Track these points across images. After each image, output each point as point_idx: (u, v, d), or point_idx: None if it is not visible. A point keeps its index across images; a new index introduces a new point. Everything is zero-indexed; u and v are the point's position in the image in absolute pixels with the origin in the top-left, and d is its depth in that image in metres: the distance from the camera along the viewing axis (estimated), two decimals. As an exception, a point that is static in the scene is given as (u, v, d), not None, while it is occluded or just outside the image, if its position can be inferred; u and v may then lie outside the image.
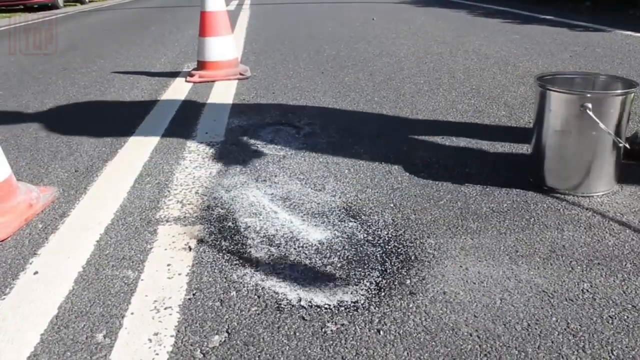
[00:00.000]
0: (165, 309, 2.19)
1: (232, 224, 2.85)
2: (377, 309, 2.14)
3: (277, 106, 5.09)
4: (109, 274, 2.46)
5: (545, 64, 6.65)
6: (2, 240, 2.80)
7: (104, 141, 4.30)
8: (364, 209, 2.96)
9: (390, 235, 2.68)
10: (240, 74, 6.36)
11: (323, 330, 2.03)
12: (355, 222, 2.83)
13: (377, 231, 2.73)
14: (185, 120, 4.75)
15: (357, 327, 2.04)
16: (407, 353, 1.90)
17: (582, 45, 7.77)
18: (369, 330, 2.02)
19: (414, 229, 2.74)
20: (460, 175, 3.37)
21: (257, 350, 1.94)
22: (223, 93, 5.72)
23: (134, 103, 5.50)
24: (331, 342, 1.96)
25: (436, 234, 2.69)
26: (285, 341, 1.98)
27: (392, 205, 3.00)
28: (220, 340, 2.00)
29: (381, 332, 2.00)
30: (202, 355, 1.93)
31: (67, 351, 1.99)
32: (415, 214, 2.89)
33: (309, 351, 1.92)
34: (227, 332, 2.04)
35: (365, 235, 2.69)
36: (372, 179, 3.36)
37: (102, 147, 4.17)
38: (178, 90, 5.95)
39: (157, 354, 1.94)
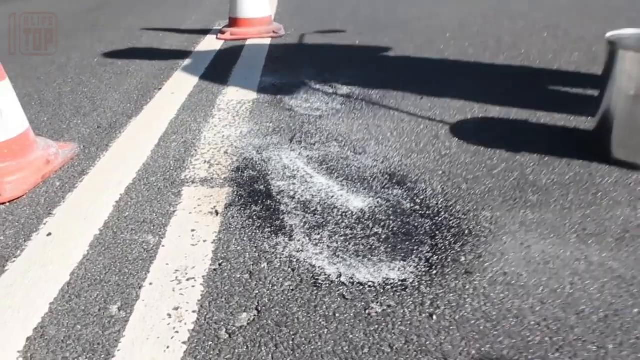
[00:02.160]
0: (187, 280, 1.95)
1: (264, 187, 2.59)
2: (428, 289, 1.86)
3: (312, 65, 4.79)
4: (127, 238, 2.23)
5: (600, 29, 6.16)
6: (17, 198, 2.59)
7: (129, 97, 4.07)
8: (410, 176, 2.67)
9: (440, 206, 2.39)
10: (274, 32, 6.05)
11: (367, 311, 1.76)
12: (400, 189, 2.54)
13: (425, 200, 2.44)
14: (215, 78, 4.48)
15: (405, 309, 1.77)
16: (465, 343, 1.63)
17: (639, 11, 7.25)
18: (420, 314, 1.75)
19: (466, 199, 2.45)
20: (515, 142, 3.05)
21: (291, 333, 1.68)
22: (255, 51, 5.43)
23: (162, 60, 5.25)
24: (376, 326, 1.70)
25: (492, 206, 2.39)
26: (323, 323, 1.72)
27: (440, 172, 2.71)
28: (249, 319, 1.75)
29: (434, 317, 1.73)
30: (227, 336, 1.68)
31: (77, 324, 1.76)
32: (467, 183, 2.59)
33: (351, 336, 1.66)
34: (256, 309, 1.79)
35: (412, 205, 2.40)
36: (417, 143, 3.06)
37: (127, 103, 3.94)
38: (208, 47, 5.68)
39: (176, 332, 1.70)
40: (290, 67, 4.73)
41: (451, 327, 1.69)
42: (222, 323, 1.74)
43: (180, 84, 4.35)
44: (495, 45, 5.48)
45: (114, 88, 4.31)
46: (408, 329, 1.68)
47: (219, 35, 6.05)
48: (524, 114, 3.48)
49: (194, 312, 1.79)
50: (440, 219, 2.29)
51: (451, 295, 1.83)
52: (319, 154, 2.93)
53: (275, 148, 3.02)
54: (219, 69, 4.75)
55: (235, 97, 3.95)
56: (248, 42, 5.82)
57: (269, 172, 2.73)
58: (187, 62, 5.08)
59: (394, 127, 3.30)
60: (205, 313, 1.78)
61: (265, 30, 6.05)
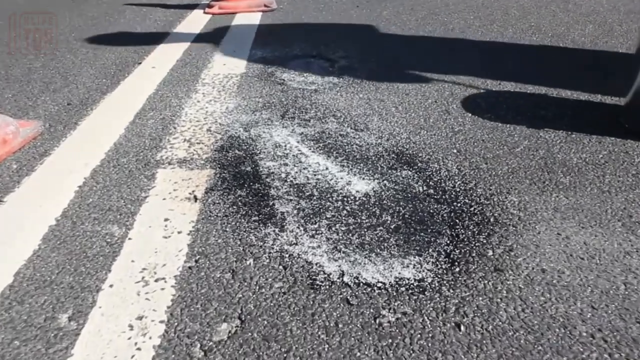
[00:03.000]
0: (155, 281, 1.60)
1: (251, 168, 2.23)
2: (452, 291, 1.51)
3: (307, 39, 4.40)
4: (88, 229, 1.87)
5: (612, 2, 5.82)
6: (-35, 183, 2.23)
7: (105, 72, 3.68)
8: (420, 155, 2.32)
9: (458, 189, 2.04)
10: (265, 6, 5.65)
11: (377, 321, 1.41)
12: (410, 170, 2.19)
13: (440, 183, 2.09)
14: (200, 52, 4.10)
15: (425, 318, 1.42)
16: (504, 362, 1.28)
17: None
18: (444, 324, 1.40)
19: (487, 181, 2.10)
20: (536, 118, 2.70)
21: (282, 350, 1.33)
22: (245, 25, 5.04)
23: (145, 34, 4.85)
24: (390, 340, 1.35)
25: (518, 189, 2.04)
26: (322, 336, 1.37)
27: (455, 151, 2.35)
28: (230, 331, 1.40)
29: (462, 328, 1.38)
30: (202, 353, 1.33)
31: (15, 339, 1.41)
32: (486, 163, 2.24)
33: (358, 353, 1.31)
34: (239, 318, 1.44)
35: (424, 188, 2.05)
36: (426, 119, 2.70)
37: (102, 78, 3.55)
38: (195, 21, 5.28)
39: (138, 349, 1.35)
40: (282, 41, 4.34)
41: (484, 341, 1.34)
42: (196, 337, 1.38)
43: (162, 58, 3.97)
44: (502, 18, 5.11)
45: (90, 63, 3.92)
46: (430, 344, 1.33)
47: (207, 10, 5.66)
48: (542, 87, 3.12)
49: (161, 322, 1.44)
50: (459, 204, 1.94)
51: (480, 299, 1.48)
52: (315, 131, 2.57)
53: (265, 125, 2.66)
54: (205, 43, 4.36)
55: (222, 71, 3.57)
56: (237, 16, 5.43)
57: (258, 152, 2.37)
58: (171, 36, 4.69)
59: (398, 101, 2.94)
60: (176, 323, 1.43)
61: (256, 4, 5.66)
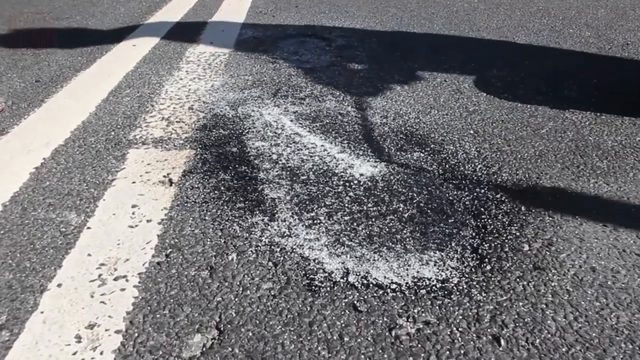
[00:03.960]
0: (115, 279, 1.28)
1: (238, 149, 1.92)
2: (484, 295, 1.21)
3: (301, 19, 4.09)
4: (40, 217, 1.56)
5: (620, -13, 5.55)
6: None
7: (82, 51, 3.36)
8: (433, 136, 2.01)
9: (480, 174, 1.74)
10: (257, -13, 5.33)
11: (393, 333, 1.11)
12: (422, 152, 1.88)
13: (459, 167, 1.78)
14: (186, 30, 3.78)
15: (454, 329, 1.12)
16: (560, 389, 0.98)
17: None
18: (478, 337, 1.09)
19: (513, 165, 1.80)
20: (558, 98, 2.41)
21: (271, 370, 1.03)
22: (235, 5, 4.72)
23: (129, 14, 4.52)
24: (411, 358, 1.04)
25: (549, 174, 1.74)
26: (323, 352, 1.06)
27: (471, 132, 2.05)
28: (204, 345, 1.09)
29: (502, 342, 1.08)
30: (167, 375, 1.02)
31: None
32: (509, 145, 1.94)
33: (370, 376, 1.01)
34: (217, 328, 1.13)
35: (440, 172, 1.75)
36: (436, 98, 2.40)
37: (78, 56, 3.23)
38: (183, 1, 4.95)
39: (84, 369, 1.04)
40: (275, 21, 4.03)
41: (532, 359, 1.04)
42: (160, 352, 1.08)
43: (146, 36, 3.65)
44: (508, 1, 4.83)
45: (66, 42, 3.60)
46: (462, 364, 1.03)
47: (195, -9, 5.33)
48: (561, 67, 2.83)
49: (118, 332, 1.13)
50: (482, 190, 1.64)
51: (521, 304, 1.18)
52: (311, 110, 2.26)
53: (255, 103, 2.35)
54: (193, 23, 4.05)
55: (208, 49, 3.26)
56: (228, -3, 5.11)
57: (245, 131, 2.06)
58: (156, 15, 4.36)
59: (403, 80, 2.64)
60: (136, 334, 1.12)
61: (248, -15, 5.33)
